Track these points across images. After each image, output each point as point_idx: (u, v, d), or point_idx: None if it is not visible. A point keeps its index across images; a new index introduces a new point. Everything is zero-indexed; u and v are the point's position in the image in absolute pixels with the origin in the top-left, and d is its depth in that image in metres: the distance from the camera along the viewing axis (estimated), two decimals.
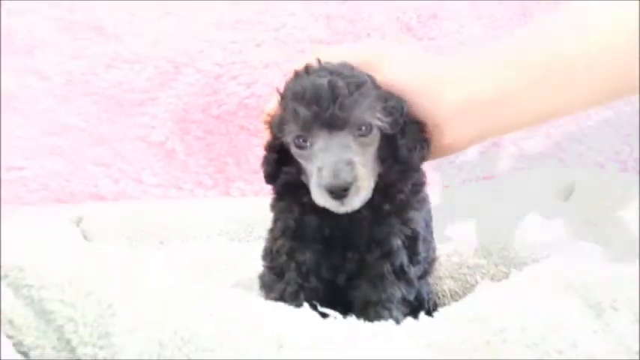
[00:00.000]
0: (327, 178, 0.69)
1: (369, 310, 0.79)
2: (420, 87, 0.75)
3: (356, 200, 0.71)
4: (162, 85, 1.69)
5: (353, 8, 1.73)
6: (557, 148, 1.73)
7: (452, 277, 1.08)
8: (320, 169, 0.70)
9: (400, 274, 0.80)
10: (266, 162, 0.80)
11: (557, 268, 0.67)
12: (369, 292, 0.79)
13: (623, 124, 1.71)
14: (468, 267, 1.08)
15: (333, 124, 0.69)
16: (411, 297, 0.81)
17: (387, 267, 0.79)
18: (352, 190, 0.69)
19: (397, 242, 0.78)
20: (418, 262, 0.82)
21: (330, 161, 0.69)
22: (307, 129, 0.71)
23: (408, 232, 0.79)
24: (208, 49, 1.70)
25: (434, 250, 0.96)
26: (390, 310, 0.78)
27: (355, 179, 0.69)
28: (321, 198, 0.71)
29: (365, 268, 0.80)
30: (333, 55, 0.76)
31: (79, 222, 1.39)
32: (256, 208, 1.43)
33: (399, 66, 0.76)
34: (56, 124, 1.67)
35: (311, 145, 0.72)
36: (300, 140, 0.72)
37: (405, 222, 0.79)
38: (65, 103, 1.67)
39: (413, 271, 0.81)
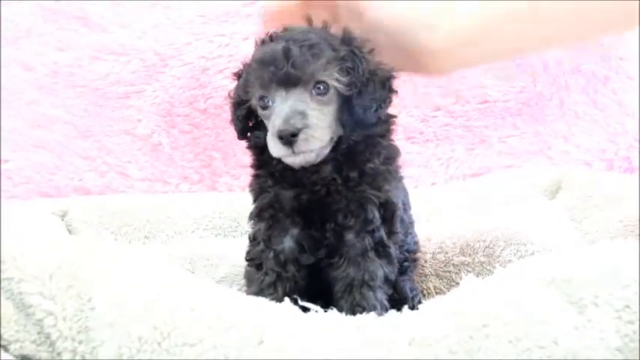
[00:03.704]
0: (278, 125, 0.73)
1: (353, 292, 0.81)
2: (413, 23, 0.78)
3: (306, 148, 0.74)
4: (148, 77, 1.68)
5: None
6: (545, 145, 1.74)
7: (437, 275, 1.08)
8: (274, 120, 0.75)
9: (381, 250, 0.82)
10: (235, 119, 0.85)
11: (539, 265, 0.67)
12: (352, 271, 0.81)
13: (610, 123, 1.72)
14: (453, 265, 1.08)
15: (288, 82, 0.75)
16: (392, 276, 0.84)
17: (367, 240, 0.81)
18: (301, 136, 0.73)
19: (373, 210, 0.81)
20: (396, 243, 0.84)
21: (283, 111, 0.74)
22: (266, 88, 0.76)
23: (382, 198, 0.81)
24: (195, 42, 1.69)
25: (416, 244, 0.97)
26: (374, 290, 0.81)
27: (306, 126, 0.73)
28: (274, 147, 0.75)
29: (345, 246, 0.82)
30: None
31: (63, 215, 1.38)
32: (243, 203, 1.43)
33: (391, 4, 0.78)
34: (41, 116, 1.65)
35: (271, 103, 0.77)
36: (263, 101, 0.78)
37: (377, 189, 0.81)
38: (50, 95, 1.66)
39: (393, 248, 0.83)
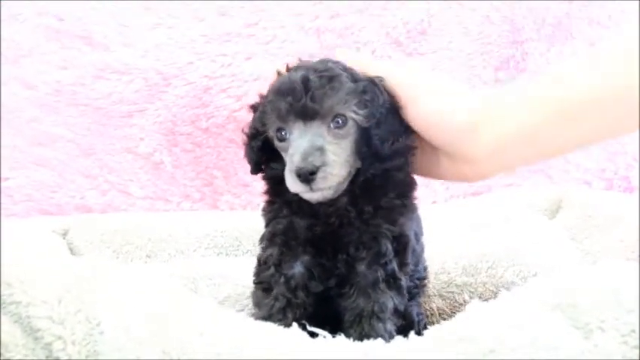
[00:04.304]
0: (296, 162, 0.72)
1: (362, 323, 0.80)
2: (456, 127, 0.76)
3: (324, 185, 0.73)
4: (151, 96, 1.69)
5: (343, 22, 1.74)
6: (545, 165, 1.75)
7: (440, 296, 1.08)
8: (292, 156, 0.74)
9: (392, 281, 0.81)
10: (250, 151, 0.83)
11: (544, 289, 0.67)
12: (361, 301, 0.80)
13: (610, 142, 1.73)
14: (456, 285, 1.08)
15: (306, 114, 0.74)
16: (402, 307, 0.82)
17: (379, 273, 0.80)
18: (319, 174, 0.71)
19: (386, 244, 0.80)
20: (407, 274, 0.84)
21: (302, 147, 0.73)
22: (284, 120, 0.75)
23: (396, 232, 0.80)
24: (198, 62, 1.71)
25: (425, 269, 0.96)
26: (384, 322, 0.80)
27: (324, 164, 0.72)
28: (292, 183, 0.74)
29: (356, 276, 0.81)
30: (374, 68, 0.79)
31: (64, 234, 1.38)
32: (244, 222, 1.43)
33: (434, 103, 0.77)
34: (42, 134, 1.66)
35: (289, 136, 0.76)
36: (280, 133, 0.77)
37: (392, 223, 0.80)
38: (52, 114, 1.67)
39: (404, 280, 0.82)
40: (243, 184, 1.69)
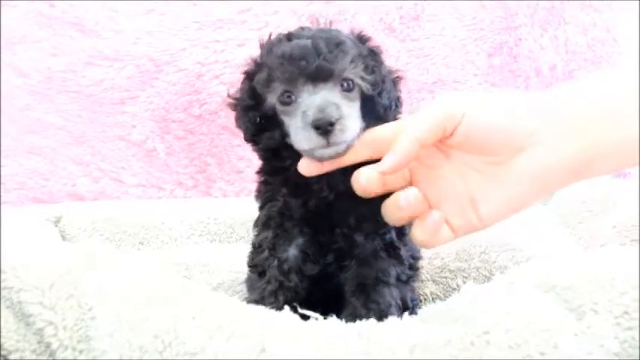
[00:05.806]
0: (313, 115, 0.71)
1: (367, 290, 0.80)
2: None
3: (342, 139, 0.71)
4: (143, 83, 1.68)
5: (337, 8, 1.73)
6: None
7: (433, 281, 1.08)
8: (305, 112, 0.72)
9: (391, 250, 0.82)
10: (248, 121, 0.81)
11: (538, 272, 0.67)
12: (364, 271, 0.81)
13: None
14: (449, 270, 1.09)
15: (318, 77, 0.73)
16: (404, 277, 0.83)
17: (377, 243, 0.81)
18: (337, 126, 0.70)
19: None
20: (406, 244, 0.84)
21: (317, 102, 0.72)
22: (292, 83, 0.74)
23: None
24: (191, 48, 1.69)
25: (419, 250, 0.97)
26: (388, 285, 0.80)
27: (341, 117, 0.71)
28: (306, 139, 0.72)
29: (355, 248, 0.81)
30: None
31: (57, 222, 1.37)
32: (238, 209, 1.43)
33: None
34: (34, 122, 1.65)
35: (296, 99, 0.75)
36: (285, 96, 0.75)
37: None
38: (44, 101, 1.65)
39: (403, 250, 0.83)
40: (237, 171, 1.68)
